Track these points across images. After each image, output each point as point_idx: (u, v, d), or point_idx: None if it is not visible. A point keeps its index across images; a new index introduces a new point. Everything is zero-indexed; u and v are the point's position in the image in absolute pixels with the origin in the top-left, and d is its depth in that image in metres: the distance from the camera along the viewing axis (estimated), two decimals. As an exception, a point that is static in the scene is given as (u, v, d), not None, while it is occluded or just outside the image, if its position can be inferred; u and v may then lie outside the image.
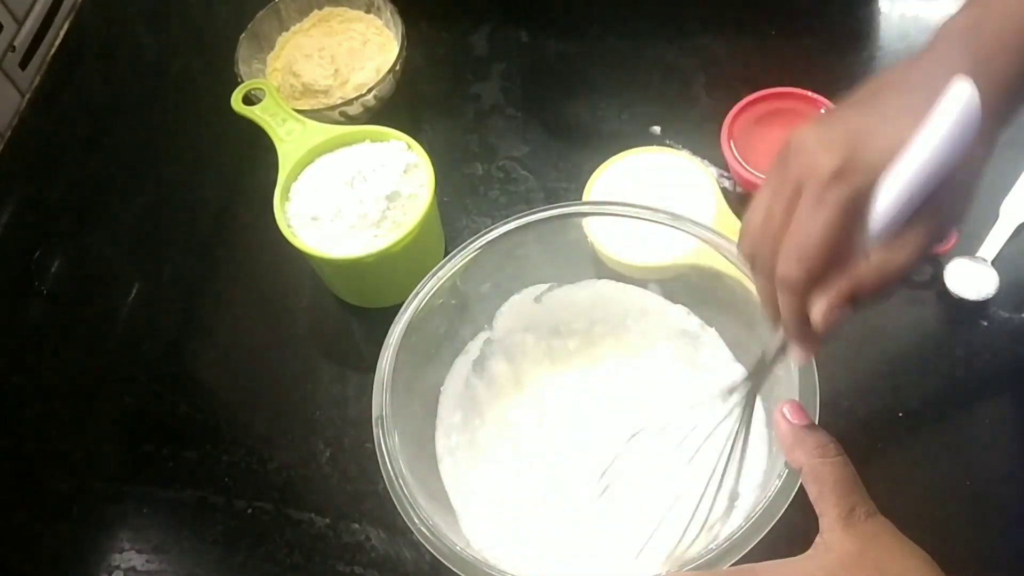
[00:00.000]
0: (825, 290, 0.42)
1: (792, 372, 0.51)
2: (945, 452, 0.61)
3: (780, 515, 0.47)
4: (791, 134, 0.44)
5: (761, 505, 0.48)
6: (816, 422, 0.49)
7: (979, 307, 0.65)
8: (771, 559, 0.45)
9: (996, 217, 0.68)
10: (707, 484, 0.52)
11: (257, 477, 0.66)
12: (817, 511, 0.44)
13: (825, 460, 0.45)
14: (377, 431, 0.54)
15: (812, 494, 0.45)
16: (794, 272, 0.42)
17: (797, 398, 0.50)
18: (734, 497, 0.54)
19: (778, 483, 0.48)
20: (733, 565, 0.46)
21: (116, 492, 0.67)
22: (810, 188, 0.41)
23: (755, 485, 0.53)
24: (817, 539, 0.44)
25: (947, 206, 0.41)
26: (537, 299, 0.64)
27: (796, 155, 0.42)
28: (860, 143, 0.41)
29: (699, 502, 0.52)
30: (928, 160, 0.39)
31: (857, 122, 0.42)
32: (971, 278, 0.65)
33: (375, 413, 0.54)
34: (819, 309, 0.42)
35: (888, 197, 0.40)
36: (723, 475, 0.53)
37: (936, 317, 0.66)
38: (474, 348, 0.63)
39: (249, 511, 0.65)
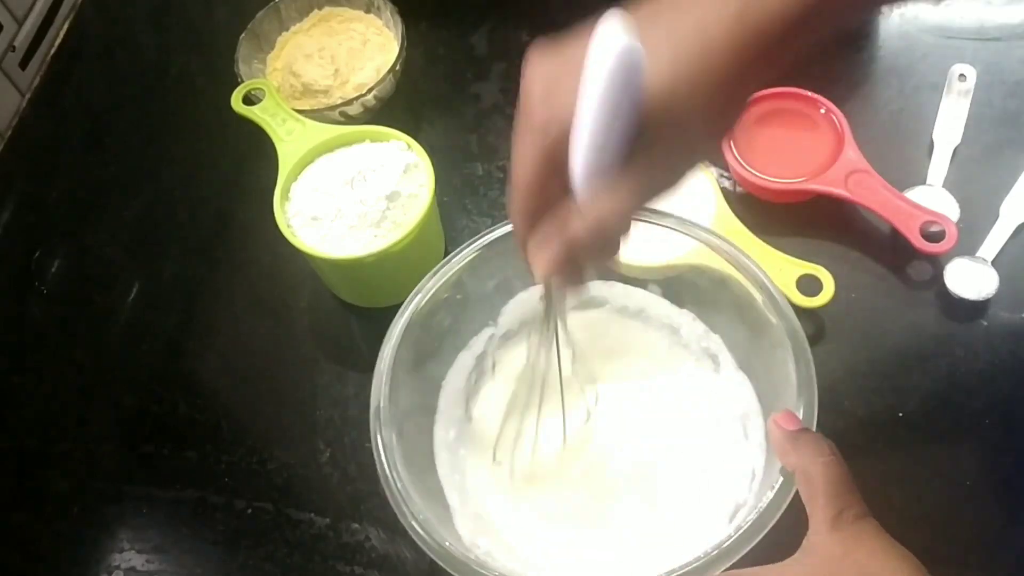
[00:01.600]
0: (545, 243, 0.41)
1: (791, 388, 0.51)
2: (945, 452, 0.61)
3: (772, 524, 0.47)
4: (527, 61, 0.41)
5: (753, 514, 0.48)
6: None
7: (979, 307, 0.65)
8: (766, 564, 0.45)
9: (996, 217, 0.68)
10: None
11: (257, 477, 0.66)
12: (808, 512, 0.44)
13: (817, 461, 0.45)
14: (374, 423, 0.54)
15: (804, 496, 0.45)
16: (512, 220, 0.42)
17: (794, 408, 0.50)
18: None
19: (770, 494, 0.48)
20: (725, 571, 0.46)
21: (116, 492, 0.67)
22: (519, 132, 0.40)
23: (752, 493, 0.53)
24: (804, 541, 0.43)
25: (661, 154, 0.39)
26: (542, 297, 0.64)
27: (522, 86, 0.40)
28: (561, 82, 0.38)
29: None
30: (595, 106, 0.36)
31: (571, 53, 0.38)
32: (971, 278, 0.65)
33: (373, 404, 0.54)
34: (537, 263, 0.42)
35: (575, 145, 0.38)
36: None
37: (936, 317, 0.66)
38: (477, 344, 0.63)
39: (249, 511, 0.65)
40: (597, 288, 0.64)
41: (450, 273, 0.59)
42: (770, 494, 0.48)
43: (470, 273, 0.60)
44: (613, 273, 0.64)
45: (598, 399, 0.61)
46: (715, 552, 0.47)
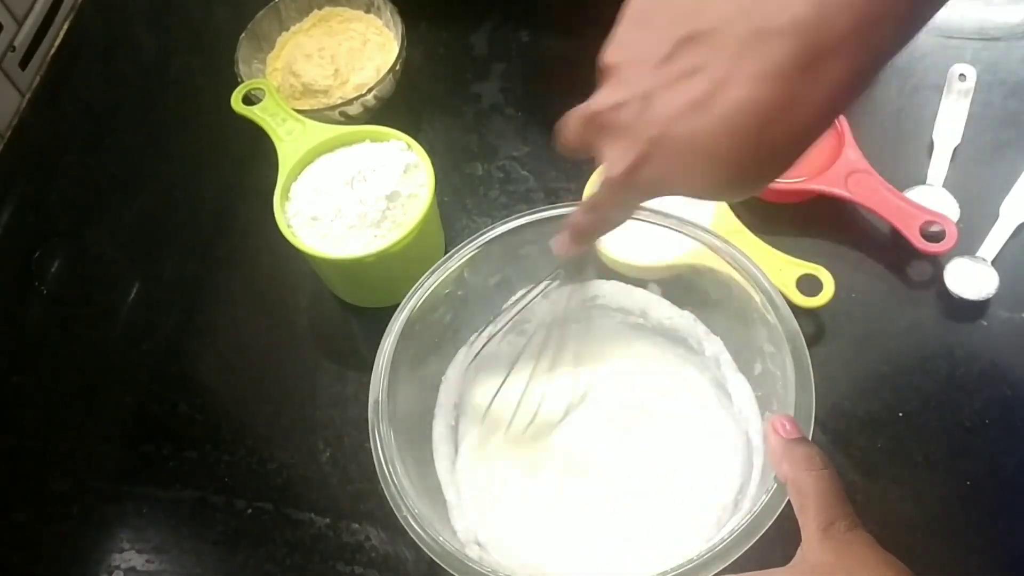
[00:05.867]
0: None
1: (789, 387, 0.51)
2: (945, 452, 0.61)
3: (767, 528, 0.47)
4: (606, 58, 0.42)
5: (748, 517, 0.48)
6: (809, 437, 0.49)
7: (979, 307, 0.65)
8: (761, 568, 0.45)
9: (996, 217, 0.68)
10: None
11: (257, 477, 0.66)
12: (800, 523, 0.44)
13: (810, 472, 0.45)
14: (373, 417, 0.54)
15: (796, 506, 0.45)
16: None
17: (792, 413, 0.50)
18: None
19: (765, 498, 0.48)
20: (717, 574, 0.46)
21: (116, 492, 0.67)
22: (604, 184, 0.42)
23: (748, 496, 0.53)
24: (797, 553, 0.44)
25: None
26: (545, 295, 0.64)
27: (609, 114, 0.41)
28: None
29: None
30: None
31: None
32: (971, 278, 0.65)
33: (372, 398, 0.54)
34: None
35: None
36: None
37: (936, 317, 0.66)
38: (478, 340, 0.63)
39: (249, 511, 0.65)
40: (598, 287, 0.64)
41: (452, 268, 0.59)
42: (765, 497, 0.48)
43: (472, 269, 0.60)
44: (614, 273, 0.64)
45: (594, 395, 0.62)
46: (707, 555, 0.47)
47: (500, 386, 0.60)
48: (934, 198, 0.69)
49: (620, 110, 0.40)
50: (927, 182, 0.70)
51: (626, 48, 0.40)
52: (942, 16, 0.45)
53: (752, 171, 0.38)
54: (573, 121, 0.43)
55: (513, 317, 0.60)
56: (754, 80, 0.35)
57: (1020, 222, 0.67)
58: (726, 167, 0.37)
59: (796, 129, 0.36)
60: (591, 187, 0.69)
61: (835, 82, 0.35)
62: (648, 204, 0.59)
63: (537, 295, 0.58)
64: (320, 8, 0.83)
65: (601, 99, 0.41)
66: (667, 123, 0.37)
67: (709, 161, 0.37)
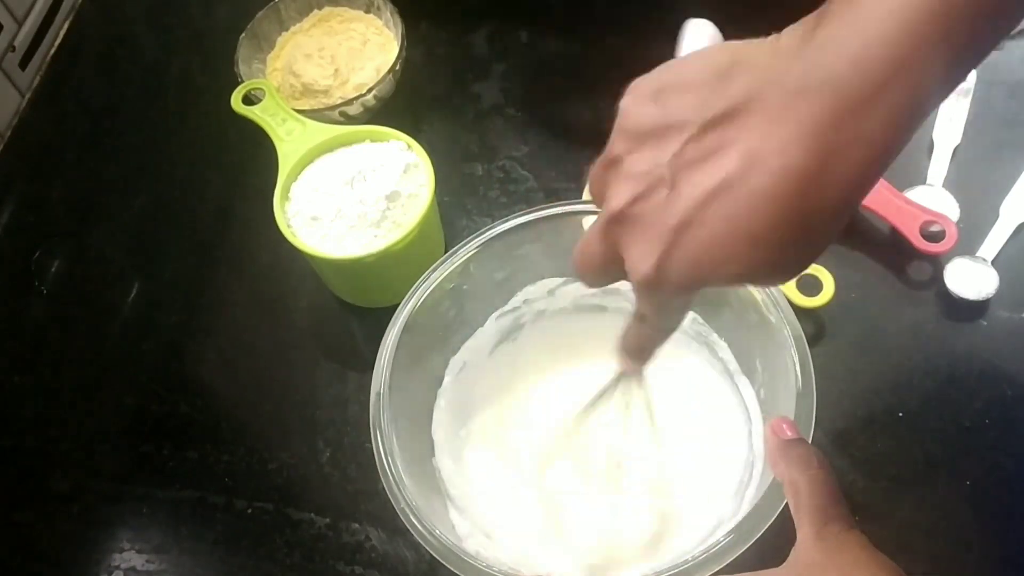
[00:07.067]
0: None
1: (791, 388, 0.51)
2: (945, 452, 0.61)
3: (766, 528, 0.47)
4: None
5: (747, 517, 0.48)
6: (809, 439, 0.49)
7: (979, 307, 0.65)
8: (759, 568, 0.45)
9: (996, 217, 0.68)
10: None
11: (257, 477, 0.66)
12: (795, 523, 0.44)
13: (805, 473, 0.45)
14: (374, 410, 0.54)
15: (791, 506, 0.45)
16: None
17: (792, 415, 0.50)
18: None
19: (763, 499, 0.48)
20: (714, 574, 0.46)
21: (116, 492, 0.67)
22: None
23: (747, 497, 0.53)
24: (791, 553, 0.44)
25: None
26: (551, 292, 0.64)
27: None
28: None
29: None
30: None
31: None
32: (971, 278, 0.65)
33: (374, 391, 0.54)
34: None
35: None
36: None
37: (936, 317, 0.66)
38: (482, 335, 0.63)
39: (249, 511, 0.65)
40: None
41: (457, 263, 0.59)
42: (764, 499, 0.48)
43: (477, 264, 0.60)
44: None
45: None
46: (703, 556, 0.47)
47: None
48: (934, 198, 0.69)
49: (639, 202, 0.36)
50: (927, 182, 0.70)
51: (639, 135, 0.37)
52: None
53: (794, 247, 0.35)
54: (591, 237, 0.39)
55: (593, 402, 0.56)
56: (788, 145, 0.32)
57: (1020, 222, 0.67)
58: (766, 247, 0.34)
59: (838, 191, 0.33)
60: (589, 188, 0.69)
61: (875, 136, 0.32)
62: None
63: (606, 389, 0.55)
64: (320, 8, 0.83)
65: (617, 198, 0.37)
66: (695, 207, 0.34)
67: (748, 242, 0.34)
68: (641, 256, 0.36)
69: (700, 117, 0.34)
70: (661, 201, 0.35)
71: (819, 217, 0.34)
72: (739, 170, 0.33)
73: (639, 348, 0.45)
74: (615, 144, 0.38)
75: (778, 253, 0.34)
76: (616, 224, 0.37)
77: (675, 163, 0.35)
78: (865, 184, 0.34)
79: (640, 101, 0.37)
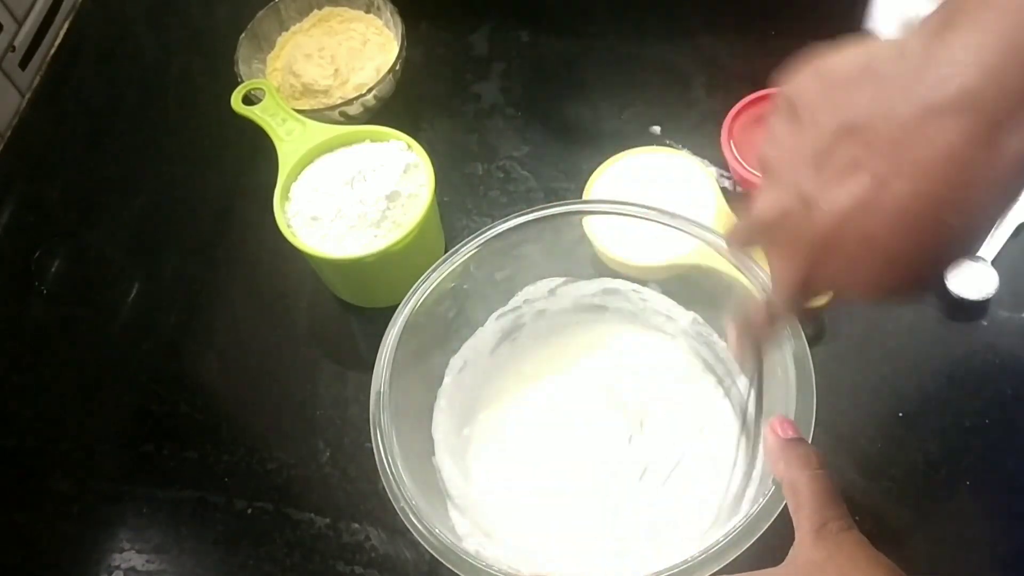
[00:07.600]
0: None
1: (790, 389, 0.51)
2: (945, 452, 0.61)
3: (765, 528, 0.47)
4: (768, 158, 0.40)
5: (746, 518, 0.48)
6: (809, 440, 0.49)
7: (979, 307, 0.65)
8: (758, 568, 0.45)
9: (996, 217, 0.68)
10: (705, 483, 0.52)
11: (257, 477, 0.66)
12: (794, 523, 0.44)
13: (804, 472, 0.45)
14: (374, 408, 0.54)
15: (790, 506, 0.45)
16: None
17: (792, 415, 0.50)
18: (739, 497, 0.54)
19: (762, 501, 0.48)
20: (714, 574, 0.46)
21: (116, 492, 0.67)
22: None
23: (747, 497, 0.53)
24: (790, 552, 0.44)
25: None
26: (551, 292, 0.64)
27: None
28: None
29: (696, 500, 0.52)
30: None
31: None
32: (971, 278, 0.65)
33: (374, 389, 0.54)
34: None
35: None
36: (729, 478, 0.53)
37: (936, 317, 0.66)
38: (483, 334, 0.63)
39: (249, 511, 0.65)
40: (599, 285, 0.64)
41: (457, 263, 0.59)
42: (763, 500, 0.48)
43: (477, 264, 0.60)
44: (615, 273, 0.64)
45: (601, 395, 0.62)
46: (702, 557, 0.47)
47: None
48: (934, 198, 0.68)
49: (784, 220, 0.38)
50: (927, 182, 0.70)
51: (781, 142, 0.38)
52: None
53: (932, 266, 0.35)
54: (743, 229, 0.46)
55: None
56: (923, 167, 0.31)
57: (1020, 222, 0.67)
58: (903, 267, 0.34)
59: (975, 216, 0.32)
60: (591, 187, 0.69)
61: (1016, 155, 0.30)
62: (649, 204, 0.60)
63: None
64: (320, 8, 0.83)
65: (763, 205, 0.40)
66: (834, 226, 0.35)
67: (884, 260, 0.34)
68: (784, 273, 0.39)
69: (830, 128, 0.35)
70: (800, 218, 0.36)
71: (953, 239, 0.33)
72: (872, 191, 0.33)
73: (758, 331, 0.48)
74: (772, 127, 0.39)
75: (915, 272, 0.35)
76: (763, 233, 0.41)
77: (812, 179, 0.36)
78: (1004, 204, 0.33)
79: (796, 91, 0.37)
